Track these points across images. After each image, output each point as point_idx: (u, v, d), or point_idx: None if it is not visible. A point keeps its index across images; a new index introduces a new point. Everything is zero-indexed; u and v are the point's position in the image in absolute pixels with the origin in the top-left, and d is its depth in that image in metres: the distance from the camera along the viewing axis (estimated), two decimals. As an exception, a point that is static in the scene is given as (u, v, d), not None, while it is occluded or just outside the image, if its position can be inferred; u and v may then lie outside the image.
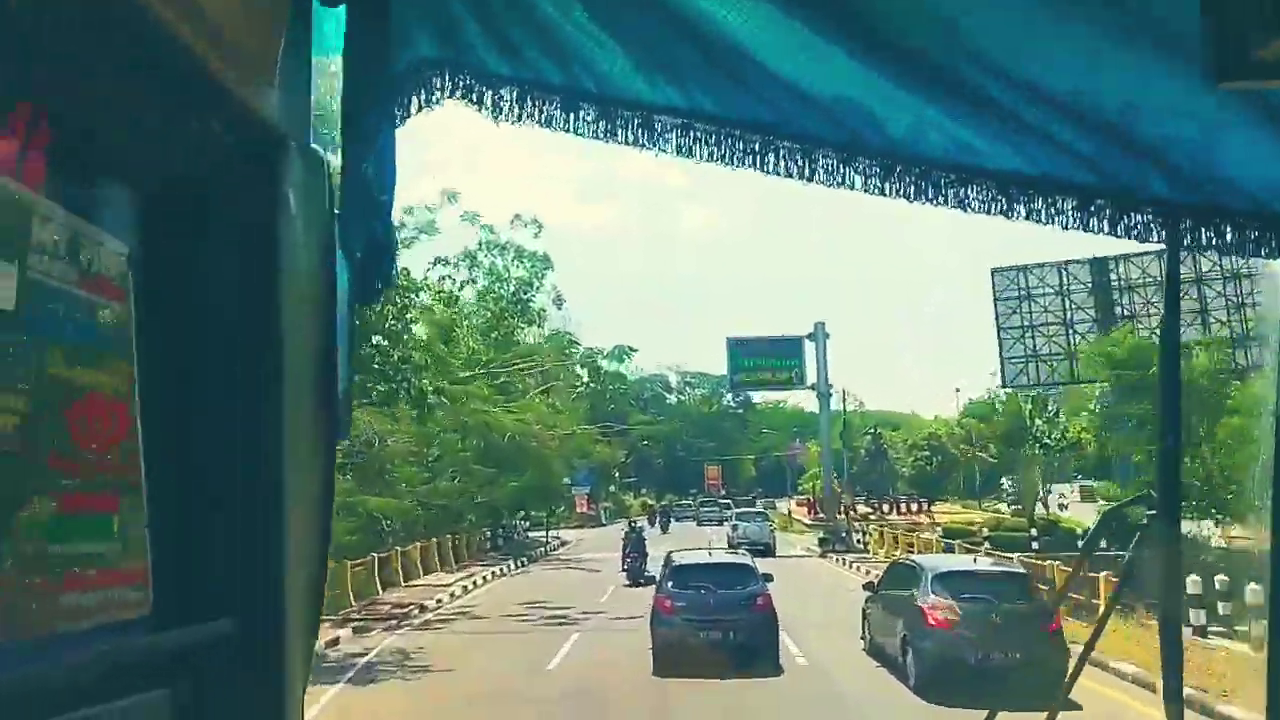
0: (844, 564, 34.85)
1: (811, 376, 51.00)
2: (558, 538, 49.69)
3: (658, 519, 59.75)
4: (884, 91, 1.48)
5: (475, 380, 34.76)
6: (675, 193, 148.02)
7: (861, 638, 16.67)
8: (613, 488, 79.93)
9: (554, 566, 37.08)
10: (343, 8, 1.37)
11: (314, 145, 1.33)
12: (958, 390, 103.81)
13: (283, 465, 1.18)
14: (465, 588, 27.77)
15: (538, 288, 44.30)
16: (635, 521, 41.30)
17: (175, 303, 1.16)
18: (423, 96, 1.53)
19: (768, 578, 15.93)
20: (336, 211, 1.35)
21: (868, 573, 22.18)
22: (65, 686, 0.95)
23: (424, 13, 1.49)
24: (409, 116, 1.53)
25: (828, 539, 41.66)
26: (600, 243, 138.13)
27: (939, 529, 39.21)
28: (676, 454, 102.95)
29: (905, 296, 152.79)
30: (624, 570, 28.93)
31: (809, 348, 50.64)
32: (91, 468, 1.05)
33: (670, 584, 15.41)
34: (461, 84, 1.54)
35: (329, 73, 1.44)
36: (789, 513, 64.87)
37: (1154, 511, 1.63)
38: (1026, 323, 45.53)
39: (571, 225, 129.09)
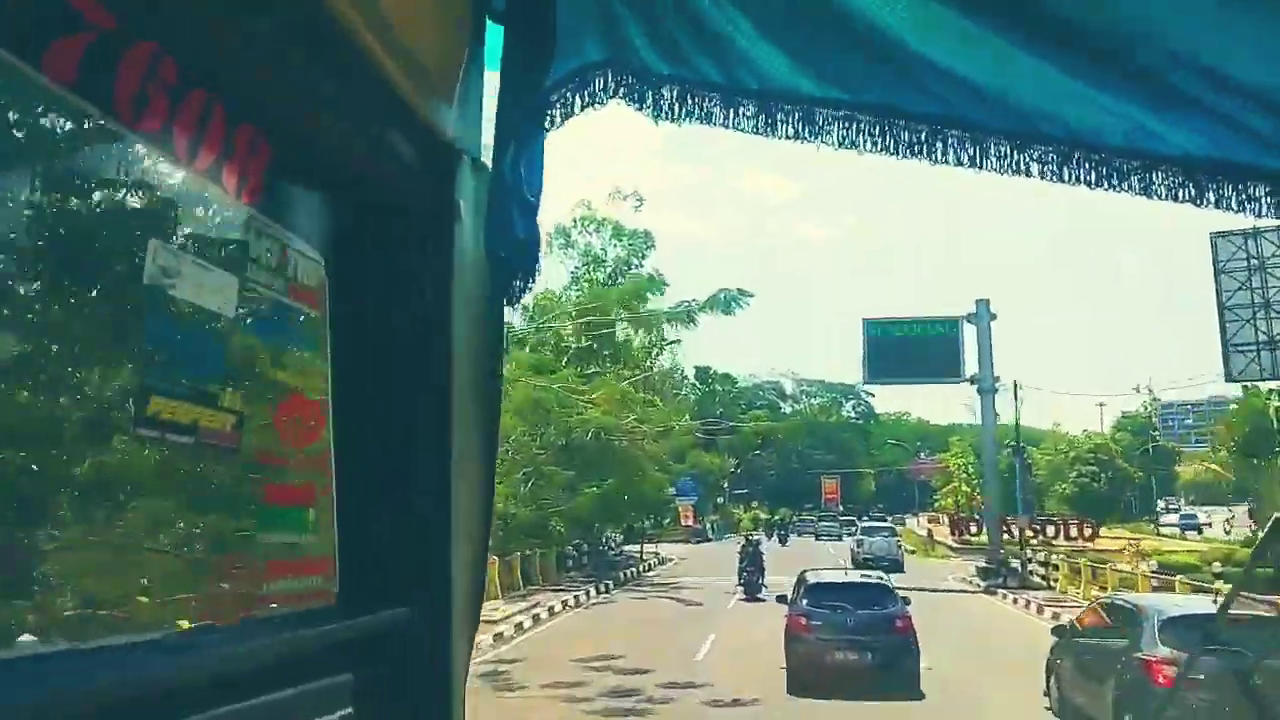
0: (1026, 606, 25.38)
1: (971, 367, 38.09)
2: (655, 554, 43.42)
3: (775, 532, 59.43)
4: (1055, 80, 1.43)
5: (560, 371, 30.98)
6: (786, 205, 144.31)
7: (1045, 694, 13.16)
8: (720, 499, 72.40)
9: (644, 593, 29.46)
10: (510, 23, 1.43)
11: (484, 157, 1.41)
12: (1101, 405, 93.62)
13: (451, 461, 1.26)
14: (520, 625, 20.27)
15: (638, 268, 39.93)
16: (752, 534, 36.97)
17: (364, 309, 1.24)
18: (585, 98, 1.55)
19: (905, 600, 15.13)
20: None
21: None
22: (259, 669, 1.01)
23: (589, 18, 1.52)
24: (571, 117, 1.55)
25: (992, 569, 31.94)
26: (707, 252, 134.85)
27: (1147, 560, 30.38)
28: (791, 465, 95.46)
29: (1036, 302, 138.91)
30: (740, 585, 27.69)
31: (968, 332, 38.29)
32: (293, 463, 1.16)
33: (805, 602, 14.78)
34: (624, 84, 1.55)
35: (495, 83, 1.49)
36: (929, 533, 57.66)
37: None
38: (1259, 299, 33.23)
39: (677, 237, 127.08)
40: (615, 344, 37.47)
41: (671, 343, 51.53)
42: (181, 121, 0.94)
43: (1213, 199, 1.48)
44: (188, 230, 1.02)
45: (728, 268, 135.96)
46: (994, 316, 37.41)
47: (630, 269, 40.00)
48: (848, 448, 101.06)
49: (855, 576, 17.62)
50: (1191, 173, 1.48)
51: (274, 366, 1.13)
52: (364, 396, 1.23)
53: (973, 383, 37.75)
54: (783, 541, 55.69)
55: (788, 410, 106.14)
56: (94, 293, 0.95)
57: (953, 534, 49.06)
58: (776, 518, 75.54)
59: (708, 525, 64.59)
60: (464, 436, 1.30)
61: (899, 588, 15.78)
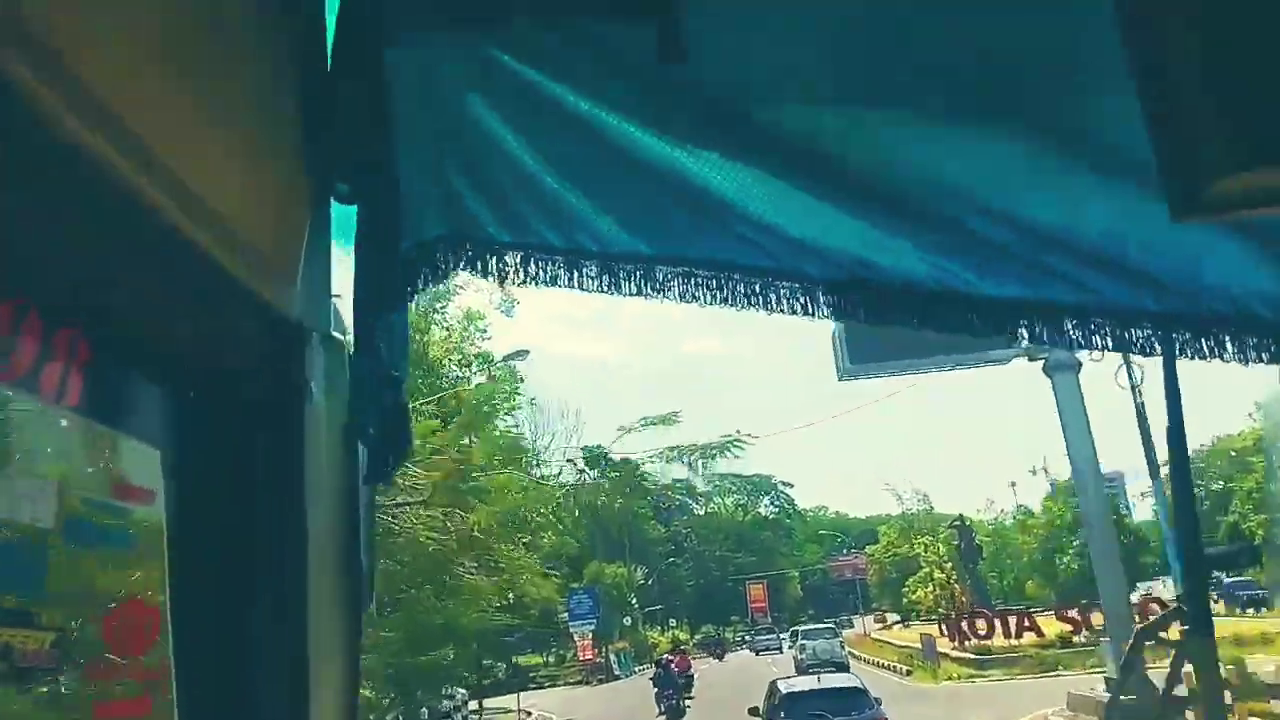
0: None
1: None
2: (527, 714, 32.17)
3: (711, 650, 57.40)
4: (872, 233, 1.53)
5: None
6: (678, 324, 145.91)
7: None
8: (628, 619, 58.61)
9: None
10: (356, 204, 1.45)
11: (334, 333, 1.40)
12: (1013, 484, 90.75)
13: (307, 660, 1.20)
14: None
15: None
16: (665, 657, 32.39)
17: (206, 502, 1.19)
18: (429, 274, 1.57)
19: (878, 700, 15.51)
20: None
21: None
22: None
23: (431, 196, 1.56)
24: (417, 293, 1.58)
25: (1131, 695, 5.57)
26: (603, 373, 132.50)
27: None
28: (710, 573, 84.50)
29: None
30: (661, 714, 26.71)
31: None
32: (125, 674, 1.09)
33: (783, 714, 15.24)
34: (466, 256, 1.59)
35: (344, 261, 1.49)
36: (927, 642, 35.08)
37: (1188, 627, 1.62)
38: None
39: (568, 359, 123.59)
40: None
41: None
42: None
43: (1027, 334, 1.60)
44: (1, 442, 0.99)
45: (633, 385, 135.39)
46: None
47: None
48: (768, 548, 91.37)
49: (829, 682, 17.95)
50: (1006, 311, 1.59)
51: (101, 573, 1.08)
52: (207, 595, 1.17)
53: (1031, 359, 20.70)
54: (719, 658, 54.00)
55: (701, 511, 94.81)
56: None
57: (952, 639, 34.95)
58: (714, 635, 67.45)
59: (615, 657, 49.53)
60: (324, 629, 1.24)
61: None
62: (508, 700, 31.74)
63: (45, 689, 0.99)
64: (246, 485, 1.21)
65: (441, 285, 1.65)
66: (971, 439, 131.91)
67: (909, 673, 33.79)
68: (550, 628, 47.92)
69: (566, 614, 45.65)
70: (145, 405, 1.16)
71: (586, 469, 67.98)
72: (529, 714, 32.12)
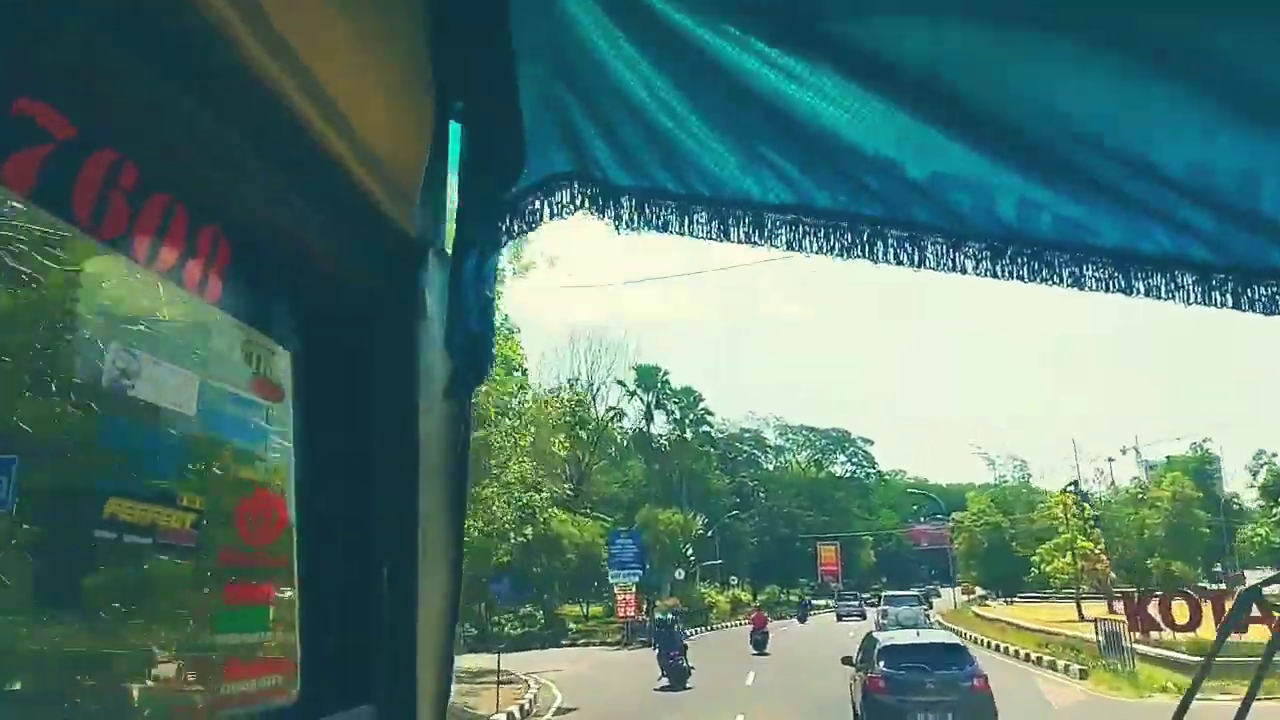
0: None
1: None
2: (525, 685, 24.25)
3: (797, 611, 55.31)
4: (987, 174, 1.48)
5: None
6: (766, 290, 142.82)
7: None
8: (681, 572, 50.01)
9: None
10: (473, 126, 1.47)
11: (448, 250, 1.44)
12: (1111, 460, 73.42)
13: (416, 555, 1.24)
14: None
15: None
16: (669, 616, 28.41)
17: (330, 403, 1.25)
18: (552, 207, 1.60)
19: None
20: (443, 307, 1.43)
21: None
22: None
23: (552, 129, 1.58)
24: (538, 225, 1.60)
25: None
26: (686, 331, 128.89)
27: None
28: (778, 530, 78.49)
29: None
30: (664, 675, 23.98)
31: None
32: (254, 561, 1.15)
33: (882, 664, 15.15)
34: (588, 196, 1.61)
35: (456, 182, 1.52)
36: (1109, 631, 24.97)
37: None
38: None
39: (657, 319, 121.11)
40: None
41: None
42: (142, 225, 0.96)
43: (1142, 289, 1.54)
44: (148, 330, 1.03)
45: (710, 344, 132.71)
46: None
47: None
48: (841, 509, 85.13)
49: (927, 638, 17.51)
50: (1121, 264, 1.53)
51: (236, 462, 1.13)
52: (328, 491, 1.23)
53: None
54: (802, 620, 53.14)
55: (771, 467, 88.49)
56: (54, 396, 0.95)
57: (1132, 627, 23.80)
58: (762, 597, 62.87)
59: (659, 616, 34.05)
60: (430, 530, 1.29)
61: None
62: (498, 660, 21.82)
63: (186, 564, 1.04)
64: (364, 390, 1.26)
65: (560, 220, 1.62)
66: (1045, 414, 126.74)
67: (1084, 674, 23.46)
68: (595, 576, 42.57)
69: (608, 558, 39.77)
70: (279, 308, 1.21)
71: (639, 392, 61.89)
72: (526, 685, 24.30)
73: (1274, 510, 47.90)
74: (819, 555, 76.93)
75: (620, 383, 60.44)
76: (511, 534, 28.87)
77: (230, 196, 1.06)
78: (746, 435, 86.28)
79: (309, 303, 1.25)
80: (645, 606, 41.18)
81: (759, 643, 31.73)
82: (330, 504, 1.23)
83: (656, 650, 25.11)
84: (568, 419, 46.92)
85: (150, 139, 0.94)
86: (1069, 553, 46.07)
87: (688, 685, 23.30)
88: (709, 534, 58.95)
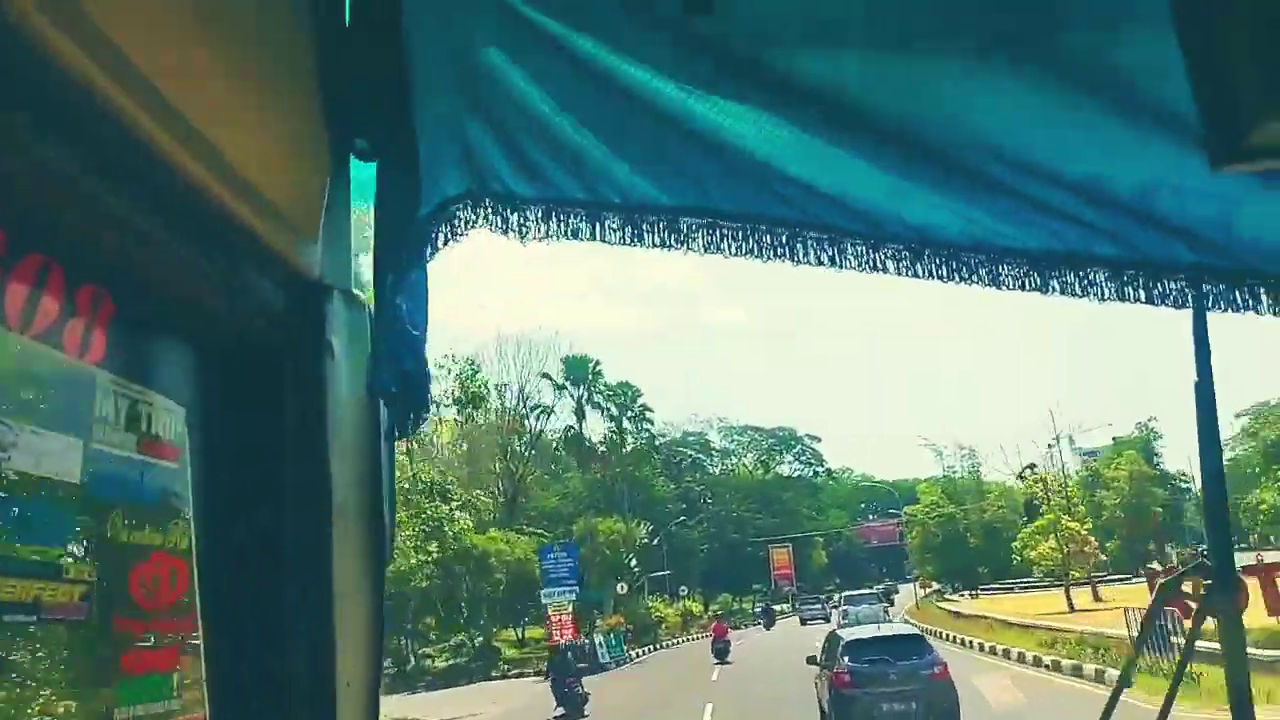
0: None
1: None
2: None
3: (758, 618, 54.42)
4: (896, 185, 1.51)
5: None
6: (694, 292, 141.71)
7: None
8: (623, 586, 45.59)
9: None
10: (376, 161, 1.44)
11: (355, 290, 1.40)
12: (1051, 445, 78.57)
13: (332, 612, 1.21)
14: None
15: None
16: (562, 643, 27.59)
17: (230, 458, 1.20)
18: (449, 231, 1.57)
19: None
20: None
21: None
22: None
23: (450, 152, 1.55)
24: (437, 253, 1.57)
25: None
26: (629, 343, 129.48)
27: None
28: (727, 536, 76.39)
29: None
30: (558, 704, 22.53)
31: None
32: (153, 627, 1.10)
33: (846, 659, 15.62)
34: (486, 212, 1.58)
35: (364, 220, 1.48)
36: (1160, 618, 12.53)
37: (1210, 582, 1.61)
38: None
39: (598, 330, 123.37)
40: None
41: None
42: (13, 289, 0.92)
43: (1057, 287, 1.58)
44: (25, 397, 0.99)
45: (647, 354, 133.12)
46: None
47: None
48: (791, 510, 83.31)
49: (887, 631, 18.18)
50: (1035, 264, 1.57)
51: (128, 528, 1.08)
52: (232, 548, 1.19)
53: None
54: (768, 627, 52.02)
55: (716, 470, 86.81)
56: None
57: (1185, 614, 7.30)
58: (715, 608, 59.67)
59: (598, 640, 35.81)
60: (347, 582, 1.26)
61: None
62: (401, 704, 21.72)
63: (75, 641, 1.00)
64: (270, 442, 1.22)
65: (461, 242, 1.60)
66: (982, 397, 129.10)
67: (1127, 680, 7.73)
68: (530, 598, 38.03)
69: (541, 573, 35.97)
70: (169, 362, 1.17)
71: (568, 385, 56.29)
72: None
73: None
74: (771, 559, 75.46)
75: (546, 375, 55.23)
76: (414, 551, 27.00)
77: (110, 252, 1.02)
78: (690, 439, 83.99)
79: (203, 354, 1.21)
80: (588, 627, 38.09)
81: (720, 651, 32.49)
82: (235, 562, 1.19)
83: (550, 679, 23.65)
84: (498, 425, 44.98)
85: (18, 199, 0.90)
86: (1052, 535, 41.70)
87: (584, 713, 22.37)
88: (654, 543, 56.03)
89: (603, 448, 59.61)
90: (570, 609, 34.74)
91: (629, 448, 63.20)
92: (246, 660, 1.18)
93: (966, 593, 58.63)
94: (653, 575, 55.44)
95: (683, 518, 67.86)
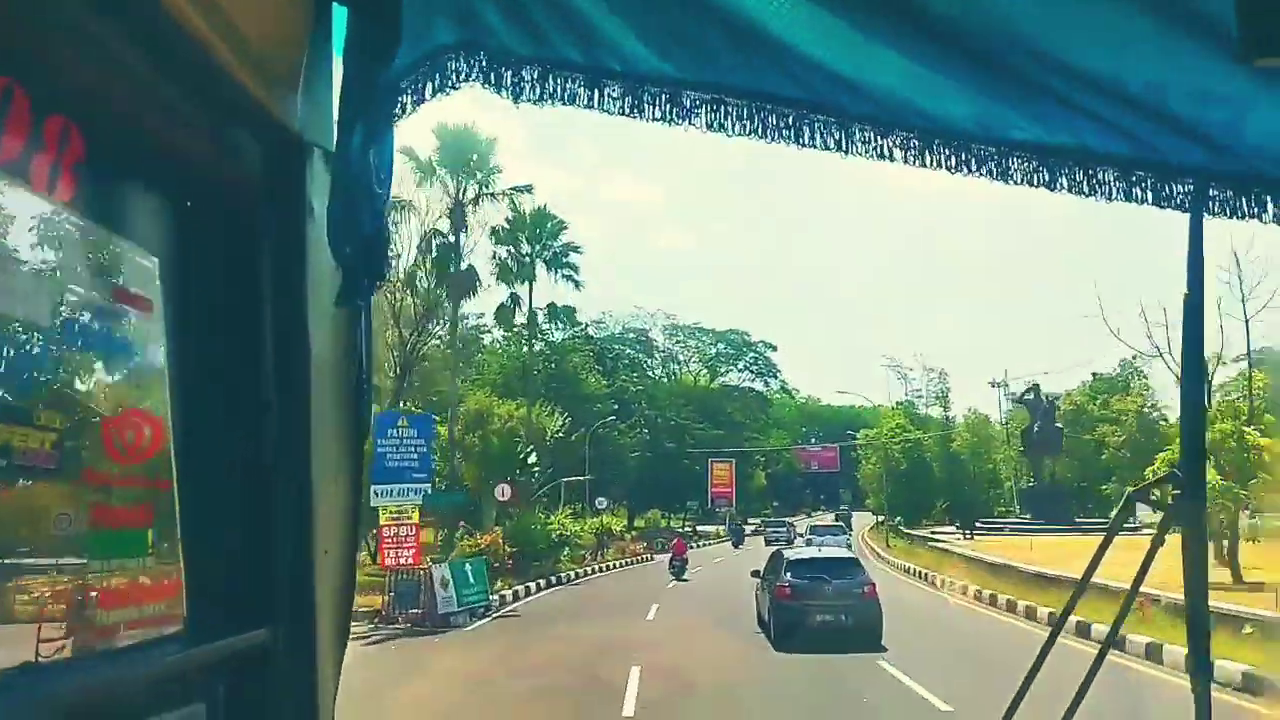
0: None
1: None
2: None
3: (733, 536, 53.57)
4: (911, 69, 1.50)
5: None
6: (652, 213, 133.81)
7: None
8: (503, 490, 30.79)
9: None
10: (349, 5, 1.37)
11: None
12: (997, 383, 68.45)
13: (311, 471, 1.20)
14: None
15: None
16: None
17: (204, 311, 1.17)
18: (437, 82, 1.51)
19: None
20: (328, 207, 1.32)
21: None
22: (102, 704, 0.96)
23: (439, 2, 1.49)
24: (423, 102, 1.51)
25: None
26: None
27: None
28: (662, 445, 67.22)
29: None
30: None
31: None
32: (127, 481, 1.09)
33: (789, 575, 17.44)
34: (479, 66, 1.52)
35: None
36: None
37: (1179, 491, 1.67)
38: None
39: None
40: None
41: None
42: None
43: (1065, 184, 1.58)
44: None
45: (605, 270, 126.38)
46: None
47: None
48: (736, 423, 74.54)
49: (828, 553, 20.23)
50: (1044, 158, 1.57)
51: (100, 378, 1.07)
52: (209, 406, 1.15)
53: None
54: (736, 545, 51.37)
55: (658, 373, 77.05)
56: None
57: None
58: (640, 523, 55.09)
59: (442, 575, 20.85)
60: (327, 447, 1.23)
61: None
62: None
63: (46, 489, 0.98)
64: (247, 300, 1.18)
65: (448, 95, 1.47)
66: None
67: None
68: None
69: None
70: (143, 211, 1.11)
71: (520, 246, 41.40)
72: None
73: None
74: (710, 474, 66.55)
75: (435, 232, 37.68)
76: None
77: (80, 81, 0.96)
78: (630, 335, 75.55)
79: (178, 205, 1.15)
80: (446, 550, 27.22)
81: (678, 569, 32.27)
82: (212, 420, 1.15)
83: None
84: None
85: None
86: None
87: None
88: (572, 438, 45.79)
89: (525, 331, 49.44)
90: (415, 516, 21.75)
91: (557, 335, 54.98)
92: (223, 522, 1.16)
93: (958, 531, 50.26)
94: (567, 479, 44.73)
95: (614, 418, 58.89)
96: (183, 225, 1.14)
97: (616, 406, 60.91)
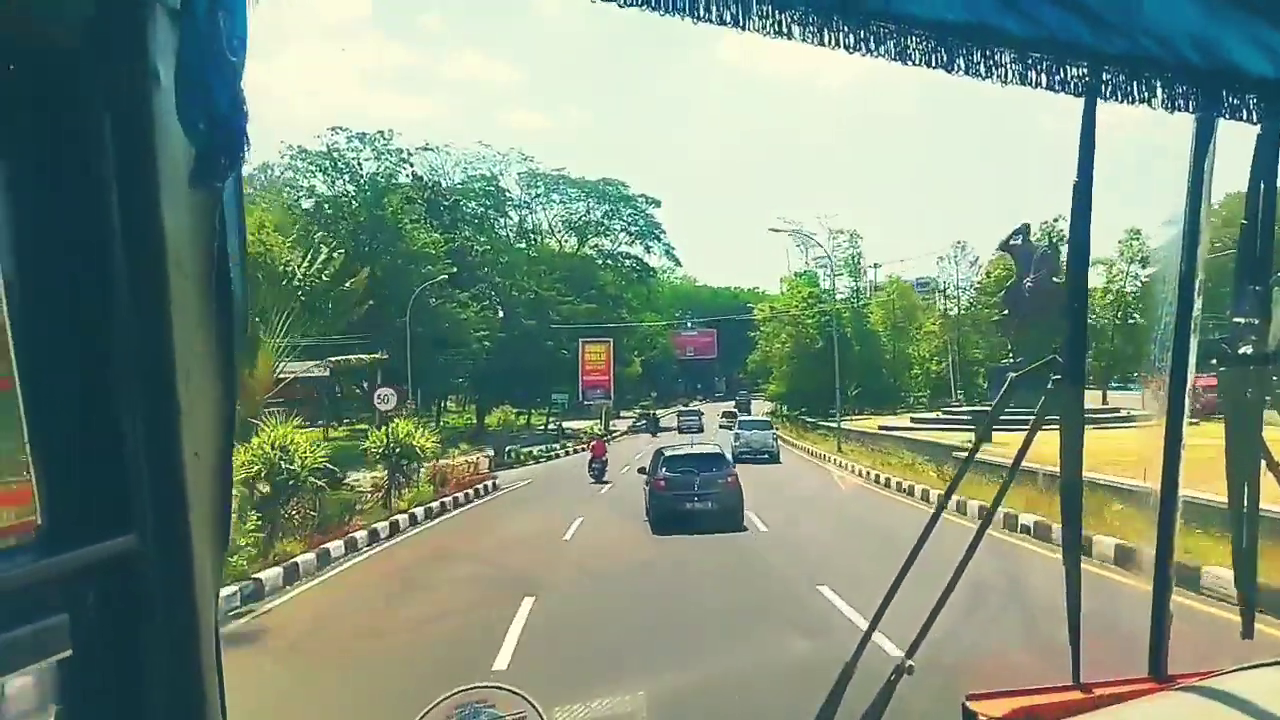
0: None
1: None
2: None
3: (648, 427, 53.96)
4: None
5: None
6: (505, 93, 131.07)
7: None
8: (362, 377, 30.02)
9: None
10: None
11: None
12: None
13: (173, 368, 1.11)
14: None
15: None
16: None
17: (36, 198, 1.03)
18: None
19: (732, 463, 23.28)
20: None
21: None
22: None
23: None
24: None
25: None
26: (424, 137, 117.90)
27: None
28: (519, 323, 56.26)
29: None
30: None
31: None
32: None
33: (664, 470, 21.90)
34: None
35: None
36: None
37: (1059, 376, 1.71)
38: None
39: (391, 120, 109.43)
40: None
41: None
42: None
43: (962, 65, 1.54)
44: None
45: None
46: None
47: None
48: (611, 297, 63.52)
49: (699, 449, 24.32)
50: (942, 37, 1.51)
51: None
52: (50, 297, 1.03)
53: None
54: (654, 434, 52.46)
55: (510, 230, 63.78)
56: None
57: None
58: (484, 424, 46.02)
59: None
60: (189, 339, 1.13)
61: None
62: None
63: None
64: (87, 184, 1.04)
65: None
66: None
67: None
68: None
69: None
70: None
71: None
72: None
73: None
74: (581, 357, 56.92)
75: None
76: None
77: None
78: (476, 185, 61.45)
79: (3, 73, 0.99)
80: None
81: (598, 472, 32.81)
82: (57, 329, 1.04)
83: None
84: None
85: None
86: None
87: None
88: (374, 304, 35.55)
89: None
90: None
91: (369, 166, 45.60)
92: (75, 424, 1.06)
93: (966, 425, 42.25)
94: (375, 358, 36.23)
95: (450, 284, 48.23)
96: (9, 96, 0.99)
97: (457, 271, 49.36)
